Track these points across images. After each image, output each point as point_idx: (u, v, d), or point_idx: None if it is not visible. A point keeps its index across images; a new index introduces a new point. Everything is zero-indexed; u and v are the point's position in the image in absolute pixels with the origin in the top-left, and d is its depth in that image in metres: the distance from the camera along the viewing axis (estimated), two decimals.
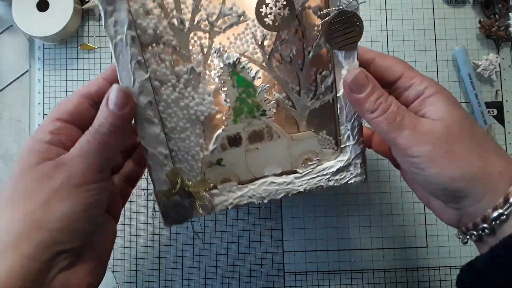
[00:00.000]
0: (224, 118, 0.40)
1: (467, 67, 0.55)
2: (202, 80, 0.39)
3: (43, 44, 0.55)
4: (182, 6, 0.37)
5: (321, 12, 0.37)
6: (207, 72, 0.39)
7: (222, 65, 0.39)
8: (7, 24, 0.55)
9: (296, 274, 0.54)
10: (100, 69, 0.55)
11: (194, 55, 0.38)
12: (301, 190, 0.42)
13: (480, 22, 0.56)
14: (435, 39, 0.57)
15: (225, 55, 0.39)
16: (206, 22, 0.38)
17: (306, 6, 0.38)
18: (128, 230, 0.54)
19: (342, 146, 0.42)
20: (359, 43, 0.37)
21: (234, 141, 0.41)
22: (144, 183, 0.45)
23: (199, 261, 0.54)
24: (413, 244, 0.55)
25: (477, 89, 0.55)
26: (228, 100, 0.40)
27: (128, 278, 0.53)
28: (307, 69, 0.41)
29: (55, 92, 0.55)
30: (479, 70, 0.55)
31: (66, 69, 0.55)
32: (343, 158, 0.42)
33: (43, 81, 0.55)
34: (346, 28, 0.37)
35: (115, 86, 0.33)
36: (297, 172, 0.42)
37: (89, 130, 0.32)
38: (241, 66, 0.39)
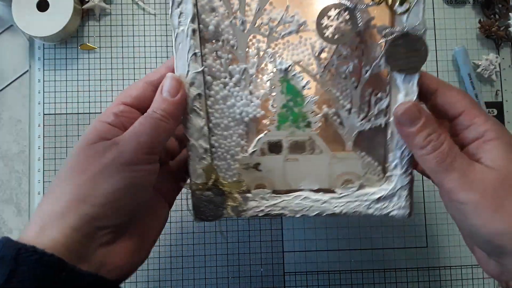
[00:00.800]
0: (268, 123, 0.40)
1: (467, 67, 0.55)
2: (254, 82, 0.39)
3: (43, 44, 0.55)
4: (246, 8, 0.38)
5: (385, 31, 0.36)
6: (260, 75, 0.39)
7: (274, 70, 0.39)
8: (7, 24, 0.55)
9: (296, 274, 0.54)
10: (100, 69, 0.55)
11: (250, 57, 0.39)
12: (336, 211, 0.40)
13: (480, 22, 0.56)
14: (435, 39, 0.57)
15: (278, 60, 0.39)
16: (267, 27, 0.39)
17: (371, 25, 0.37)
18: None
19: (388, 175, 0.40)
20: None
21: (274, 147, 0.40)
22: None
23: (199, 261, 0.54)
24: (413, 244, 0.55)
25: (477, 89, 0.55)
26: (274, 105, 0.39)
27: (128, 278, 0.53)
28: (362, 88, 0.39)
29: (55, 92, 0.55)
30: (479, 70, 0.55)
31: (66, 69, 0.55)
32: (388, 187, 0.39)
33: (43, 81, 0.55)
34: (409, 52, 0.36)
35: (169, 74, 0.35)
36: (334, 192, 0.40)
37: (144, 115, 0.34)
38: (292, 74, 0.39)
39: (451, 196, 0.34)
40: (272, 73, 0.39)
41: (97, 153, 0.32)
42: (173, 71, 0.37)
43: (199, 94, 0.38)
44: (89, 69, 0.55)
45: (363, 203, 0.40)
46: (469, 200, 0.33)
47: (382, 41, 0.36)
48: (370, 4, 0.35)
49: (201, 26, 0.37)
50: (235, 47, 0.39)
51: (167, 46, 0.56)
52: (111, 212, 0.31)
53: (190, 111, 0.38)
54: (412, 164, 0.38)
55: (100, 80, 0.55)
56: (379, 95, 0.39)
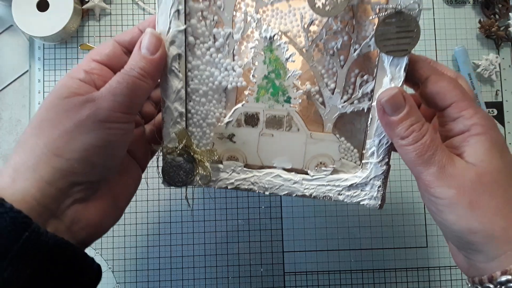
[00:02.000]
0: (246, 93, 0.38)
1: (467, 67, 0.55)
2: (237, 50, 0.38)
3: (43, 44, 0.55)
4: None
5: (379, 7, 0.33)
6: (245, 43, 0.37)
7: (259, 38, 0.37)
8: (7, 24, 0.56)
9: (296, 274, 0.54)
10: None
11: (236, 21, 0.37)
12: (306, 194, 0.39)
13: (480, 22, 0.56)
14: (435, 39, 0.57)
15: (264, 27, 0.36)
16: None
17: (365, 0, 0.35)
18: (128, 230, 0.54)
19: (363, 162, 0.38)
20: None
21: (251, 119, 0.39)
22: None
23: (199, 261, 0.54)
24: (413, 244, 0.55)
25: (477, 89, 0.55)
26: (255, 75, 0.38)
27: (128, 278, 0.53)
28: (348, 68, 0.37)
29: None
30: (479, 70, 0.55)
31: (66, 69, 0.55)
32: (362, 174, 0.39)
33: (43, 81, 0.55)
34: (400, 32, 0.34)
35: (148, 29, 0.34)
36: (307, 174, 0.39)
37: (120, 72, 0.33)
38: (277, 44, 0.37)
39: (427, 190, 0.33)
40: (256, 41, 0.37)
41: (72, 108, 0.31)
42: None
43: (179, 55, 0.36)
44: None
45: (334, 188, 0.39)
46: (445, 196, 0.32)
47: (374, 16, 0.34)
48: None
49: None
50: (221, 9, 0.37)
51: None
52: (86, 168, 0.31)
53: (169, 71, 0.36)
54: (389, 153, 0.37)
55: None
56: (365, 77, 0.37)
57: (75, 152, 0.30)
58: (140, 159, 0.39)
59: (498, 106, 0.57)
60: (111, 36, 0.56)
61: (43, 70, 0.55)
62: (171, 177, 0.39)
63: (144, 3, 0.56)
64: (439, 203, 0.33)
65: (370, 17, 0.35)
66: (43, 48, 0.55)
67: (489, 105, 0.57)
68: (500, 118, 0.57)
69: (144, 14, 0.56)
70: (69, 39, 0.56)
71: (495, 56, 0.56)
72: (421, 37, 0.59)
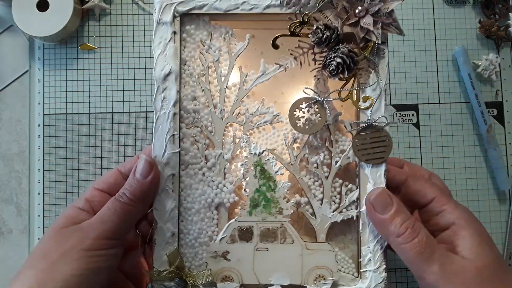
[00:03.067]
0: (239, 208, 0.41)
1: (467, 67, 0.55)
2: (228, 168, 0.42)
3: (43, 44, 0.55)
4: (226, 99, 0.42)
5: (352, 123, 0.39)
6: (234, 162, 0.42)
7: (249, 155, 0.41)
8: (7, 24, 0.56)
9: None
10: (100, 69, 0.56)
11: (226, 143, 0.42)
12: None
13: (480, 22, 0.56)
14: (435, 39, 0.57)
15: (253, 145, 0.41)
16: (243, 116, 0.42)
17: (339, 119, 0.41)
18: None
19: (361, 271, 0.40)
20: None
21: (245, 234, 0.41)
22: None
23: None
24: None
25: (477, 89, 0.55)
26: (247, 189, 0.41)
27: None
28: (332, 179, 0.41)
29: (55, 92, 0.55)
30: (479, 70, 0.55)
31: (66, 69, 0.55)
32: (362, 285, 0.40)
33: (43, 81, 0.55)
34: (374, 142, 0.39)
35: (142, 156, 0.38)
36: None
37: (111, 199, 0.36)
38: (266, 158, 0.41)
39: None
40: (246, 158, 0.41)
41: (62, 238, 0.34)
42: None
43: (173, 175, 0.40)
44: (89, 69, 0.55)
45: None
46: None
47: (348, 131, 0.40)
48: (337, 98, 0.39)
49: (182, 112, 0.41)
50: (212, 133, 0.42)
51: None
52: None
53: (162, 190, 0.39)
54: (386, 259, 0.39)
55: (100, 80, 0.56)
56: (349, 186, 0.41)
57: (58, 282, 0.32)
58: (135, 281, 0.41)
59: (498, 106, 0.57)
60: (111, 36, 0.56)
61: (43, 70, 0.56)
62: None
63: (144, 3, 0.56)
64: None
65: (346, 131, 0.40)
66: (43, 48, 0.56)
67: (489, 105, 0.57)
68: (500, 118, 0.57)
69: (144, 14, 0.57)
70: (69, 39, 0.56)
71: (495, 56, 0.56)
72: (421, 37, 0.59)
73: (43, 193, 0.55)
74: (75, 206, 0.37)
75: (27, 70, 0.56)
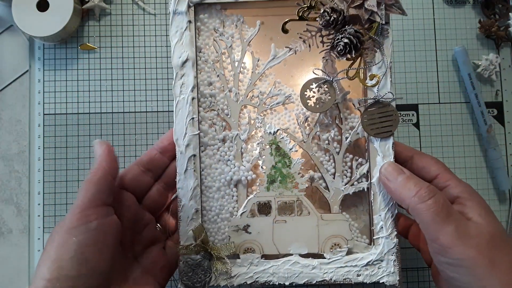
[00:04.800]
0: (257, 184, 0.45)
1: (467, 67, 0.56)
2: (245, 148, 0.46)
3: (43, 44, 0.56)
4: (240, 83, 0.46)
5: (360, 100, 0.43)
6: (250, 142, 0.46)
7: (264, 134, 0.45)
8: (7, 24, 0.57)
9: None
10: (100, 69, 0.56)
11: (242, 125, 0.46)
12: (326, 278, 0.42)
13: (480, 22, 0.57)
14: (435, 39, 0.58)
15: (267, 125, 0.45)
16: (257, 99, 0.46)
17: (347, 98, 0.45)
18: None
19: (374, 238, 0.43)
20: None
21: (264, 208, 0.44)
22: None
23: None
24: None
25: (477, 89, 0.56)
26: (264, 167, 0.45)
27: None
28: (343, 154, 0.45)
29: (55, 92, 0.56)
30: (479, 70, 0.56)
31: (66, 69, 0.56)
32: (375, 251, 0.43)
33: (43, 81, 0.56)
34: (382, 117, 0.42)
35: (96, 141, 0.41)
36: (323, 257, 0.43)
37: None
38: (280, 137, 0.45)
39: (446, 251, 0.36)
40: (261, 137, 0.45)
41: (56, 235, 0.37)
42: (161, 151, 0.44)
43: (193, 155, 0.43)
44: (89, 69, 0.56)
45: (353, 269, 0.42)
46: (466, 256, 0.35)
47: (357, 108, 0.44)
48: (345, 77, 0.42)
49: (199, 95, 0.45)
50: (228, 116, 0.46)
51: (167, 46, 0.57)
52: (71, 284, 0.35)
53: (185, 171, 0.43)
54: (397, 227, 0.42)
55: (100, 80, 0.56)
56: (359, 160, 0.45)
57: (58, 270, 0.35)
58: (156, 276, 0.42)
59: (498, 106, 0.58)
60: (111, 36, 0.59)
61: (43, 70, 0.57)
62: (189, 277, 0.41)
63: (144, 3, 0.57)
64: (458, 264, 0.35)
65: (355, 108, 0.44)
66: (43, 48, 0.57)
67: (489, 105, 0.57)
68: (500, 118, 0.58)
69: (144, 14, 0.57)
70: (69, 39, 0.57)
71: (495, 56, 0.56)
72: (421, 37, 0.59)
73: (43, 193, 0.56)
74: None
75: (27, 70, 0.57)
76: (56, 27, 0.55)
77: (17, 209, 0.57)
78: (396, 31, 0.60)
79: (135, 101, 0.58)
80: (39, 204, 0.56)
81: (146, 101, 0.58)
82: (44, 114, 0.57)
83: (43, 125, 0.57)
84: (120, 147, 0.57)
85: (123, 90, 0.58)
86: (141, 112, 0.58)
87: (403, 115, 0.59)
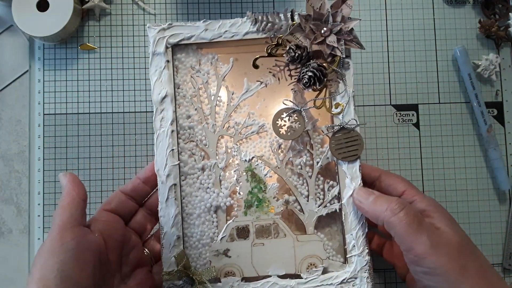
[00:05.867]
0: (235, 209, 0.48)
1: (467, 67, 0.56)
2: (223, 176, 0.49)
3: (43, 44, 0.56)
4: (216, 115, 0.50)
5: (327, 127, 0.47)
6: (228, 170, 0.49)
7: (240, 162, 0.48)
8: (7, 24, 0.58)
9: None
10: (100, 69, 0.57)
11: (219, 154, 0.49)
12: None
13: (480, 22, 0.58)
14: (435, 39, 0.58)
15: (243, 153, 0.48)
16: (233, 129, 0.49)
17: (316, 125, 0.49)
18: None
19: (347, 256, 0.46)
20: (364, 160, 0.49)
21: (242, 232, 0.46)
22: None
23: None
24: None
25: (477, 89, 0.56)
26: (241, 192, 0.48)
27: None
28: (315, 177, 0.48)
29: (55, 92, 0.57)
30: (479, 70, 0.56)
31: (66, 69, 0.57)
32: (349, 269, 0.45)
33: (43, 81, 0.56)
34: (348, 142, 0.46)
35: (60, 175, 0.44)
36: (300, 277, 0.46)
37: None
38: (256, 164, 0.48)
39: (420, 261, 0.38)
40: (238, 165, 0.48)
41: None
42: (143, 180, 0.47)
43: (174, 185, 0.46)
44: (89, 69, 0.57)
45: (329, 287, 0.45)
46: (439, 264, 0.37)
47: (325, 134, 0.47)
48: (312, 106, 0.46)
49: (178, 128, 0.48)
50: (207, 146, 0.49)
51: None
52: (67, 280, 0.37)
53: (166, 200, 0.46)
54: (368, 245, 0.45)
55: (100, 80, 0.57)
56: (330, 183, 0.48)
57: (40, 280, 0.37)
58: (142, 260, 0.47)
59: (498, 106, 0.59)
60: (111, 36, 0.60)
61: (43, 70, 0.57)
62: None
63: (144, 3, 0.58)
64: (432, 273, 0.38)
65: (321, 135, 0.48)
66: (43, 48, 0.57)
67: (489, 105, 0.58)
68: (500, 118, 0.58)
69: (144, 14, 0.57)
70: (69, 39, 0.58)
71: (495, 56, 0.57)
72: (421, 37, 0.60)
73: (43, 193, 0.57)
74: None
75: (27, 70, 0.58)
76: (56, 27, 0.56)
77: (17, 209, 0.58)
78: (396, 31, 0.62)
79: (135, 101, 0.59)
80: (39, 204, 0.58)
81: (146, 101, 0.59)
82: (44, 114, 0.59)
83: (43, 125, 0.58)
84: (120, 147, 0.58)
85: (123, 90, 0.59)
86: (141, 112, 0.59)
87: (403, 115, 0.60)
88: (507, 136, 0.60)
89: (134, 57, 0.59)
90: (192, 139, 0.49)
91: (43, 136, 0.58)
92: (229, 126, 0.50)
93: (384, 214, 0.40)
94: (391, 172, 0.48)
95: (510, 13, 0.61)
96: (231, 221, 0.47)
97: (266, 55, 0.47)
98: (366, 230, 0.46)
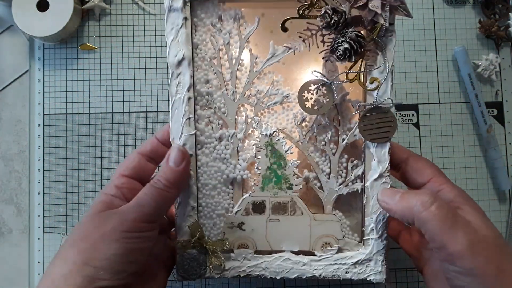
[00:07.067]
0: (252, 184, 0.46)
1: (467, 67, 0.56)
2: (241, 147, 0.46)
3: (43, 44, 0.56)
4: (237, 81, 0.46)
5: (358, 105, 0.43)
6: (247, 140, 0.46)
7: (260, 135, 0.46)
8: (7, 24, 0.58)
9: None
10: (100, 69, 0.57)
11: (238, 123, 0.46)
12: (316, 274, 0.44)
13: (480, 22, 0.58)
14: (435, 39, 0.58)
15: (263, 126, 0.45)
16: (254, 97, 0.46)
17: (346, 99, 0.45)
18: None
19: (364, 238, 0.44)
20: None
21: (258, 207, 0.45)
22: None
23: None
24: None
25: (477, 89, 0.56)
26: (259, 167, 0.45)
27: None
28: (339, 155, 0.46)
29: (55, 92, 0.57)
30: (479, 70, 0.56)
31: (66, 69, 0.57)
32: (365, 251, 0.44)
33: (43, 81, 0.56)
34: (380, 123, 0.42)
35: (175, 145, 0.42)
36: (314, 255, 0.45)
37: (148, 184, 0.40)
38: (276, 139, 0.45)
39: (455, 260, 0.35)
40: (258, 138, 0.46)
41: (101, 221, 0.37)
42: (162, 141, 0.44)
43: (190, 154, 0.44)
44: (89, 69, 0.57)
45: (342, 266, 0.43)
46: (476, 265, 0.34)
47: (356, 113, 0.43)
48: (345, 81, 0.42)
49: (195, 94, 0.45)
50: (225, 114, 0.46)
51: (167, 46, 0.56)
52: (110, 274, 0.36)
53: None
54: (387, 229, 0.43)
55: (100, 80, 0.57)
56: (355, 162, 0.45)
57: (100, 260, 0.35)
58: (166, 262, 0.45)
59: (498, 106, 0.59)
60: (111, 36, 0.61)
61: (43, 70, 0.57)
62: (185, 270, 0.43)
63: (144, 3, 0.58)
64: (468, 273, 0.34)
65: (353, 113, 0.44)
66: (43, 48, 0.57)
67: (489, 105, 0.58)
68: (500, 118, 0.58)
69: (144, 14, 0.57)
70: (69, 39, 0.58)
71: (495, 56, 0.57)
72: (421, 37, 0.59)
73: (43, 193, 0.57)
74: (108, 193, 0.41)
75: (27, 70, 0.58)
76: (56, 27, 0.56)
77: (17, 209, 0.58)
78: (396, 31, 0.60)
79: (135, 101, 0.59)
80: (39, 204, 0.57)
81: (146, 101, 0.59)
82: (44, 114, 0.58)
83: (43, 125, 0.58)
84: (120, 147, 0.58)
85: (123, 90, 0.59)
86: (141, 112, 0.59)
87: (403, 115, 0.60)
88: (507, 136, 0.60)
89: (134, 57, 0.59)
90: (210, 106, 0.46)
91: (43, 136, 0.58)
92: (250, 94, 0.46)
93: (415, 210, 0.36)
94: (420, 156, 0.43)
95: (510, 13, 0.61)
96: (247, 195, 0.45)
97: (297, 16, 0.40)
98: (388, 215, 0.42)
